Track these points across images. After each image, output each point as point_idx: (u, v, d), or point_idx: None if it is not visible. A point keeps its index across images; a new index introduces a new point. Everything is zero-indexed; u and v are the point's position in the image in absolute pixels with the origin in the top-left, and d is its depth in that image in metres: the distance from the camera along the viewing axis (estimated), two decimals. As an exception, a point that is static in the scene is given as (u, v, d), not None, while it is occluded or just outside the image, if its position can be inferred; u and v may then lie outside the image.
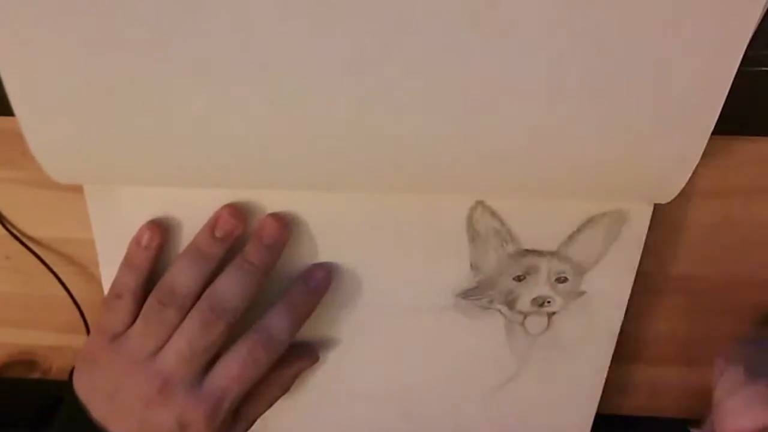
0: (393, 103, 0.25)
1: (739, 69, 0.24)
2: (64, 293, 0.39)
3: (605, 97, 0.25)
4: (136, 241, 0.33)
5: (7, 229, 0.36)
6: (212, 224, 0.33)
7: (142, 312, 0.32)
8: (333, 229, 0.34)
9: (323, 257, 0.35)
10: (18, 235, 0.36)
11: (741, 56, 0.24)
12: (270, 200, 0.33)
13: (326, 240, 0.34)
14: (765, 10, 0.23)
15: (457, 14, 0.23)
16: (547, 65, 0.24)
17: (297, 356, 0.36)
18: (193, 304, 0.31)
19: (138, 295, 0.32)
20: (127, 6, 0.23)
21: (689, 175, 0.27)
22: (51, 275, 0.38)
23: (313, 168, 0.28)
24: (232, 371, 0.31)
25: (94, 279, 0.39)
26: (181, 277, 0.31)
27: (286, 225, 0.33)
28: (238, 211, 0.33)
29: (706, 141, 0.26)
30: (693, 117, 0.25)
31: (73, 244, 0.37)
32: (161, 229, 0.33)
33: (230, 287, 0.31)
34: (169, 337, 0.31)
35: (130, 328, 0.32)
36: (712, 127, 0.25)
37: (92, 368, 0.32)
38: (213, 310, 0.31)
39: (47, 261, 0.37)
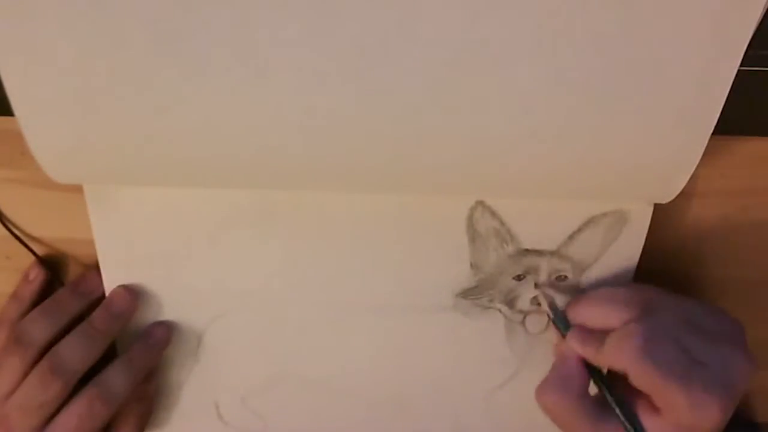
0: (393, 104, 0.25)
1: (739, 69, 0.24)
2: (64, 293, 0.38)
3: (605, 98, 0.25)
4: (25, 275, 0.36)
5: (8, 229, 0.36)
6: (77, 280, 0.35)
7: None
8: (333, 229, 0.34)
9: (324, 257, 0.35)
10: (18, 234, 0.36)
11: (741, 56, 0.24)
12: (269, 201, 0.33)
13: (327, 240, 0.34)
14: (765, 10, 0.23)
15: (457, 16, 0.23)
16: (547, 66, 0.24)
17: (136, 399, 0.36)
18: (41, 355, 0.32)
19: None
20: (126, 8, 0.23)
21: (689, 176, 0.27)
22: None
23: (313, 169, 0.28)
24: (69, 424, 0.32)
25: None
26: (30, 326, 0.33)
27: (135, 296, 0.35)
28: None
29: (706, 142, 0.26)
30: (693, 118, 0.25)
31: (73, 244, 0.37)
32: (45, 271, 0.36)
33: (73, 350, 0.32)
34: (18, 383, 0.32)
35: None
36: (713, 128, 0.25)
37: None
38: (53, 370, 0.31)
39: (47, 261, 0.37)
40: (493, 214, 0.33)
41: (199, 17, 0.23)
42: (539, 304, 0.36)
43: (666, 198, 0.29)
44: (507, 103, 0.25)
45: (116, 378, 0.34)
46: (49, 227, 0.37)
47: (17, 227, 0.37)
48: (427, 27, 0.23)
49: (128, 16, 0.24)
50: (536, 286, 0.35)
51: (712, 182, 0.34)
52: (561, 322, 0.33)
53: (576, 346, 0.31)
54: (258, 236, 0.34)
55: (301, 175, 0.29)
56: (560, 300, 0.35)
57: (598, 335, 0.31)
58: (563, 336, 0.33)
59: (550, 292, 0.36)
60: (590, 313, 0.32)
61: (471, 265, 0.35)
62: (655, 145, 0.26)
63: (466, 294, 0.36)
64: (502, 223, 0.33)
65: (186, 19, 0.24)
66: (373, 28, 0.23)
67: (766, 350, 0.39)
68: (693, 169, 0.27)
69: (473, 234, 0.34)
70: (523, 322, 0.37)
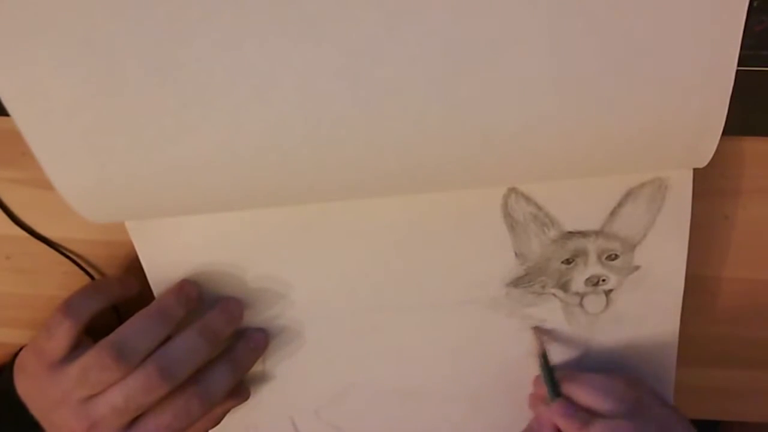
0: (408, 104, 0.25)
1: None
2: (64, 293, 0.38)
3: (621, 65, 0.24)
4: (124, 272, 0.34)
5: (19, 224, 0.36)
6: (179, 287, 0.33)
7: (85, 359, 0.30)
8: (375, 235, 0.34)
9: (370, 264, 0.35)
10: (26, 233, 0.36)
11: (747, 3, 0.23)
12: (308, 215, 0.33)
13: (371, 247, 0.34)
14: None
15: None
16: (562, 42, 0.24)
17: (229, 395, 0.35)
18: (141, 361, 0.30)
19: (83, 324, 0.32)
20: (118, 45, 0.24)
21: (718, 136, 0.26)
22: (51, 275, 0.38)
23: (340, 180, 0.28)
24: (163, 422, 0.31)
25: (93, 279, 0.39)
26: (138, 337, 0.30)
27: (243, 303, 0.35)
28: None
29: (728, 96, 0.25)
30: (712, 65, 0.24)
31: (73, 244, 0.37)
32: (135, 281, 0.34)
33: (185, 352, 0.31)
34: (107, 387, 0.30)
35: (69, 368, 0.31)
36: (734, 74, 0.25)
37: (30, 383, 0.32)
38: (161, 372, 0.30)
39: (47, 261, 0.37)
40: (528, 199, 0.32)
41: (191, 45, 0.24)
42: (595, 284, 0.35)
43: (702, 161, 0.28)
44: (525, 85, 0.25)
45: (218, 379, 0.33)
46: (49, 227, 0.37)
47: (18, 227, 0.37)
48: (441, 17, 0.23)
49: (121, 52, 0.24)
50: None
51: (712, 182, 0.34)
52: (551, 386, 0.34)
53: (558, 419, 0.33)
54: (301, 251, 0.34)
55: (330, 187, 0.29)
56: (614, 278, 0.35)
57: (582, 415, 0.32)
58: (550, 399, 0.34)
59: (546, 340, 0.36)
60: (583, 394, 0.33)
61: (516, 254, 0.34)
62: (677, 106, 0.25)
63: (517, 283, 0.35)
64: (539, 208, 0.33)
65: (178, 48, 0.24)
66: (382, 27, 0.23)
67: (766, 350, 0.39)
68: (721, 128, 0.26)
69: (511, 222, 0.33)
70: (581, 304, 0.36)
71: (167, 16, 0.23)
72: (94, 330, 0.33)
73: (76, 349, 0.31)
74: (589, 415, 0.32)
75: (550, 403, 0.34)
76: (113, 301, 0.34)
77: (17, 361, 0.33)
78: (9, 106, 0.25)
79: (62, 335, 0.31)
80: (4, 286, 0.37)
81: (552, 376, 0.35)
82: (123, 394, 0.30)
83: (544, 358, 0.35)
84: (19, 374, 0.33)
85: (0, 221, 0.37)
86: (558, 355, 0.37)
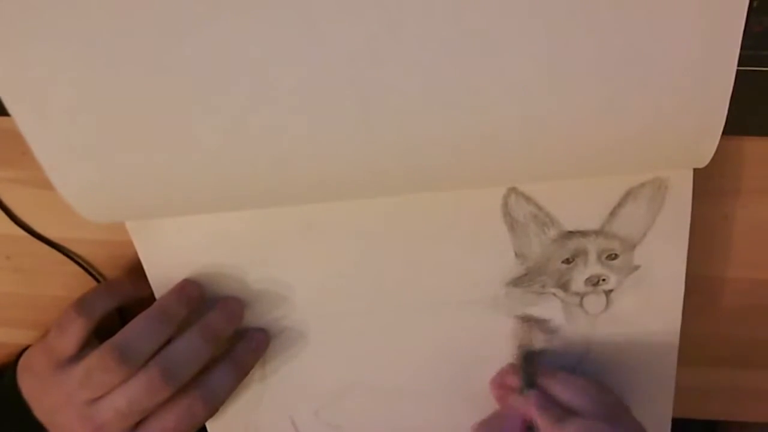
0: (407, 104, 0.25)
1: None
2: (64, 293, 0.39)
3: (619, 65, 0.24)
4: (133, 273, 0.34)
5: (19, 224, 0.36)
6: (180, 287, 0.33)
7: (89, 360, 0.30)
8: (376, 235, 0.34)
9: (371, 263, 0.35)
10: (25, 233, 0.36)
11: (747, 4, 0.23)
12: (309, 215, 0.33)
13: (371, 246, 0.34)
14: None
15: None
16: (560, 41, 0.24)
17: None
18: (144, 363, 0.30)
19: (94, 323, 0.32)
20: (118, 45, 0.24)
21: (718, 136, 0.26)
22: (51, 275, 0.38)
23: (339, 179, 0.28)
24: (167, 425, 0.31)
25: (94, 279, 0.39)
26: (140, 339, 0.30)
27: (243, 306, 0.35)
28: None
29: (728, 97, 0.25)
30: (713, 66, 0.25)
31: (73, 244, 0.37)
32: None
33: (187, 353, 0.31)
34: (111, 389, 0.30)
35: (74, 368, 0.31)
36: (734, 74, 0.25)
37: (35, 382, 0.32)
38: (164, 375, 0.30)
39: (47, 261, 0.37)
40: (528, 199, 0.33)
41: (191, 45, 0.24)
42: (595, 284, 0.35)
43: (702, 161, 0.28)
44: (524, 85, 0.25)
45: (221, 380, 0.33)
46: (48, 227, 0.37)
47: (18, 227, 0.37)
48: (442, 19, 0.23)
49: (121, 52, 0.24)
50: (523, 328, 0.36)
51: (712, 182, 0.34)
52: (527, 377, 0.34)
53: (533, 410, 0.32)
54: (301, 251, 0.34)
55: (330, 187, 0.29)
56: (614, 277, 0.35)
57: (558, 409, 0.32)
58: (521, 390, 0.34)
59: (529, 340, 0.36)
60: (561, 390, 0.33)
61: (516, 254, 0.34)
62: (677, 106, 0.25)
63: (517, 283, 0.35)
64: (539, 208, 0.33)
65: (178, 49, 0.24)
66: (382, 27, 0.23)
67: (766, 350, 0.39)
68: (721, 128, 0.26)
69: (511, 222, 0.33)
70: (581, 304, 0.36)
71: (168, 16, 0.23)
72: (97, 333, 0.33)
73: (84, 348, 0.31)
74: (565, 412, 0.32)
75: (525, 394, 0.33)
76: (125, 302, 0.34)
77: (23, 359, 0.33)
78: (9, 106, 0.25)
79: (74, 332, 0.31)
80: (4, 286, 0.37)
81: (532, 367, 0.34)
82: (126, 397, 0.30)
83: (527, 348, 0.35)
84: (24, 373, 0.33)
85: (0, 221, 0.37)
86: (558, 355, 0.37)
